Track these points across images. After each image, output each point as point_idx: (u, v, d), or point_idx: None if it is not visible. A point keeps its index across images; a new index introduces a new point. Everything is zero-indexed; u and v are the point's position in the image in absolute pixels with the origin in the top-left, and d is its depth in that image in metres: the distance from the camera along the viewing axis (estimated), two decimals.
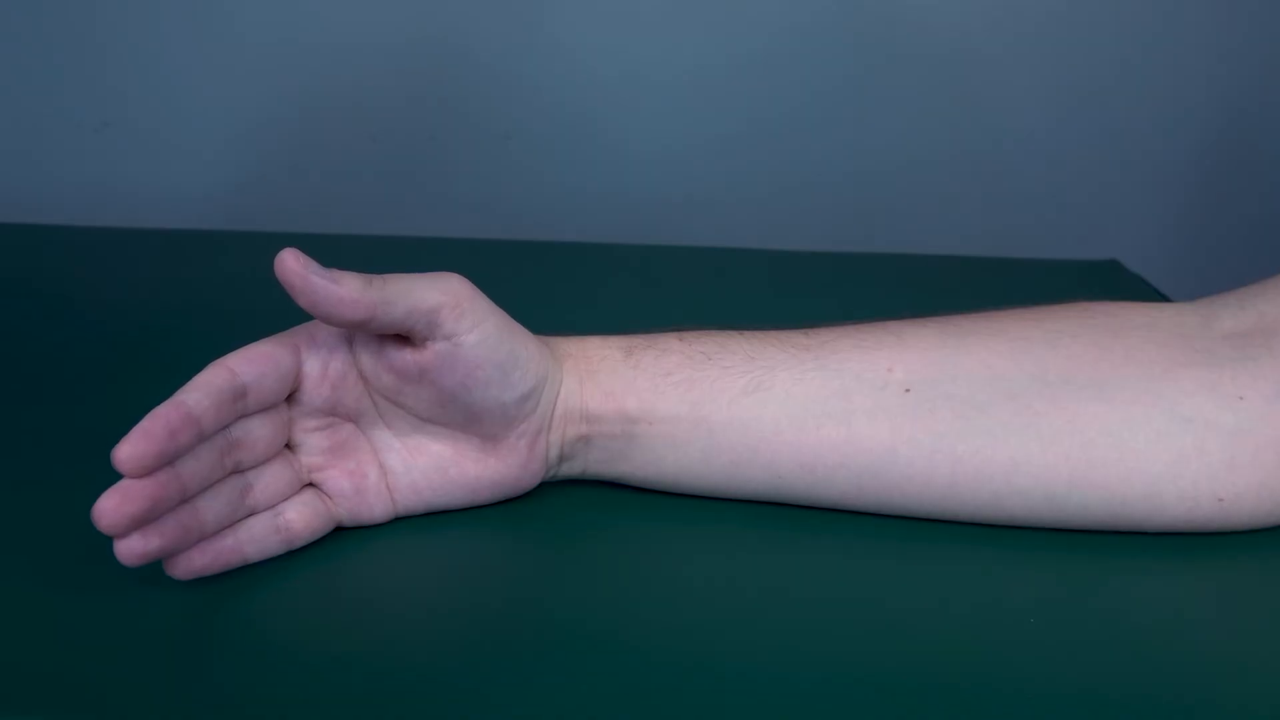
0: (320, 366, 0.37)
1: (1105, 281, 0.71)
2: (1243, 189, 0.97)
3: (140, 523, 0.33)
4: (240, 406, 0.35)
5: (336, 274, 0.34)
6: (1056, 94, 0.93)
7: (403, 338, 0.37)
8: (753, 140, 0.94)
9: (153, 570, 0.37)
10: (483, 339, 0.37)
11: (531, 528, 0.41)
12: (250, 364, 0.35)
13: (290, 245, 0.36)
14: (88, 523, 0.40)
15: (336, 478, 0.39)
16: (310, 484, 0.39)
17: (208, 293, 0.44)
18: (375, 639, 0.34)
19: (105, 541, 0.36)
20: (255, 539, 0.37)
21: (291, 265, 0.34)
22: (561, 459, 0.41)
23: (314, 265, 0.34)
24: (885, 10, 0.90)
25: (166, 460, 0.33)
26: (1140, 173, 0.96)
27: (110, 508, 0.32)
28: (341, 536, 0.40)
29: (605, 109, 0.93)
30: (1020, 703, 0.32)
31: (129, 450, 0.32)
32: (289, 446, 0.38)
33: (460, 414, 0.39)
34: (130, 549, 0.33)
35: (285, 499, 0.38)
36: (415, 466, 0.40)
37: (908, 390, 0.39)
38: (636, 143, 0.93)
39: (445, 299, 0.36)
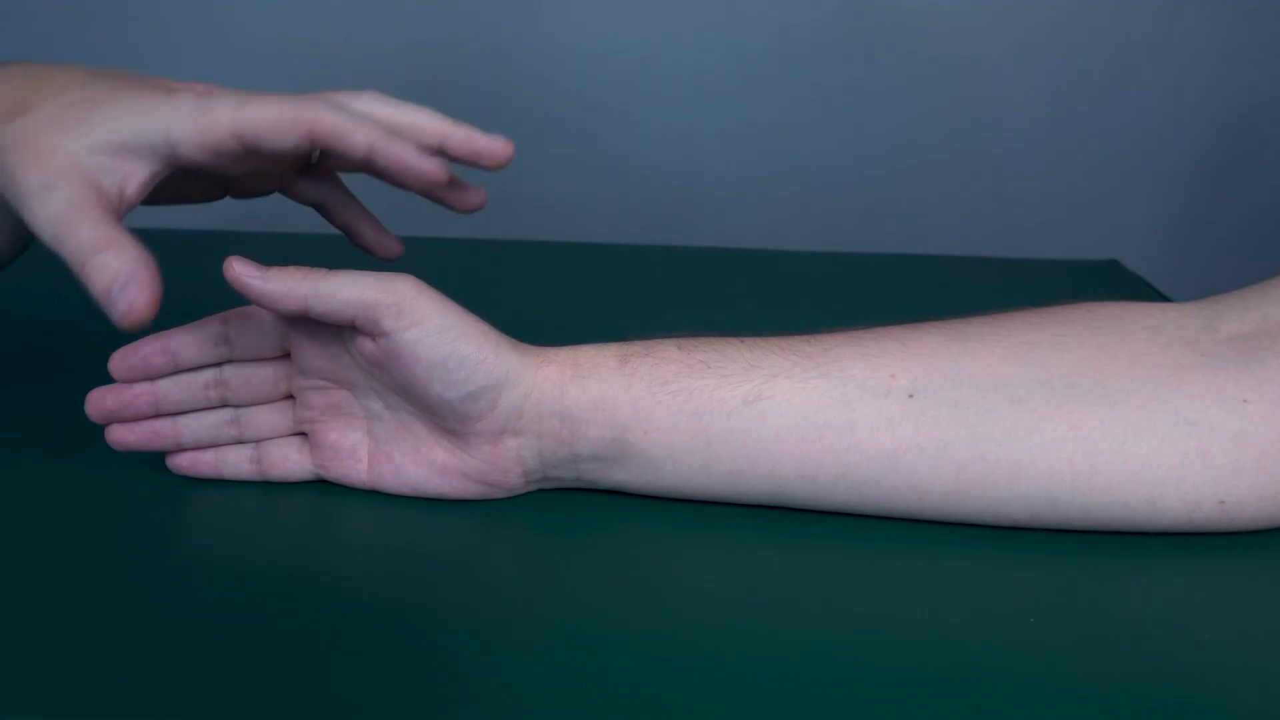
0: (307, 334, 0.41)
1: (1105, 281, 0.71)
2: (1243, 189, 0.97)
3: (114, 417, 0.42)
4: (224, 351, 0.42)
5: (269, 272, 0.39)
6: (1056, 94, 0.93)
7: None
8: (753, 141, 0.94)
9: (152, 571, 0.37)
10: (421, 337, 0.38)
11: (526, 527, 0.41)
12: (238, 317, 0.42)
13: (290, 245, 0.37)
14: (87, 523, 0.40)
15: (321, 432, 0.42)
16: (303, 433, 0.43)
17: (208, 293, 0.44)
18: (364, 633, 0.34)
19: (105, 542, 0.36)
20: (229, 461, 0.43)
21: (227, 271, 0.39)
22: (544, 462, 0.41)
23: (250, 266, 0.39)
24: (886, 11, 0.90)
25: (140, 374, 0.41)
26: (1140, 173, 0.96)
27: (92, 398, 0.41)
28: (334, 533, 0.40)
29: (606, 109, 0.93)
30: (1020, 703, 0.32)
31: (116, 360, 0.41)
32: (293, 397, 0.43)
33: (418, 403, 0.40)
34: (112, 436, 0.42)
35: (272, 439, 0.43)
36: (395, 439, 0.42)
37: (911, 396, 0.39)
38: (637, 143, 0.93)
39: (382, 298, 0.38)
